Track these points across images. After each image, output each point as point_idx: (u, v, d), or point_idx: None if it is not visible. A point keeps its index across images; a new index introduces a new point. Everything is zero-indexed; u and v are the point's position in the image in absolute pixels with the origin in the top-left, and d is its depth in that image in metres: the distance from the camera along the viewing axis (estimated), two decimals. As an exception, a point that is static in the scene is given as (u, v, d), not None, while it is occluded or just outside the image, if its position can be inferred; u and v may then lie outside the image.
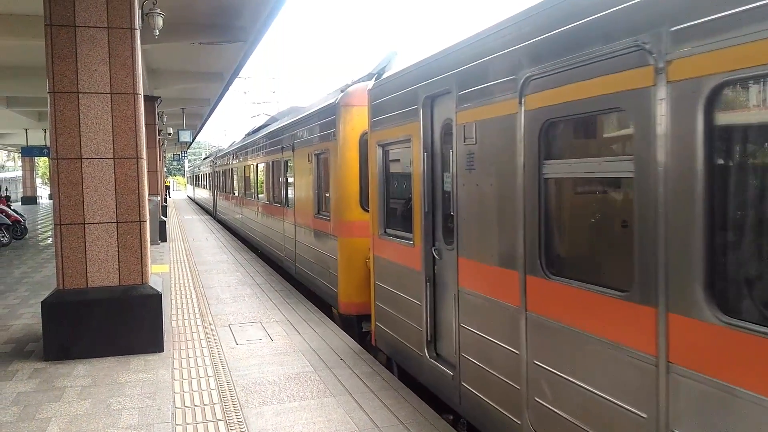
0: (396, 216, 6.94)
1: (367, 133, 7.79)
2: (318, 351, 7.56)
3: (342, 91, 9.22)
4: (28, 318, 9.35)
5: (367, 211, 8.24)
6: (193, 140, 45.30)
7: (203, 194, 43.68)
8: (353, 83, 9.20)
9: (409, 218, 6.18)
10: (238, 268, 14.48)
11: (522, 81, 4.08)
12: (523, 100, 4.09)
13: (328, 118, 9.43)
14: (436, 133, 5.69)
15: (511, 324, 4.35)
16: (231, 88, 22.25)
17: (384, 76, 7.01)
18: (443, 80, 5.29)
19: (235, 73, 18.90)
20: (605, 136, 3.82)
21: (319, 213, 10.29)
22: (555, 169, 3.90)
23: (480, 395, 4.87)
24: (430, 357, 5.86)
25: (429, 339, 5.91)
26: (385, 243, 6.92)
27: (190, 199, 62.04)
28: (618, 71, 3.24)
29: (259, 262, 15.65)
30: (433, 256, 5.79)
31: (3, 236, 18.89)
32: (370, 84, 7.38)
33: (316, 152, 10.24)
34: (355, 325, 8.86)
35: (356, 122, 8.81)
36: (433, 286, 5.85)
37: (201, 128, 42.18)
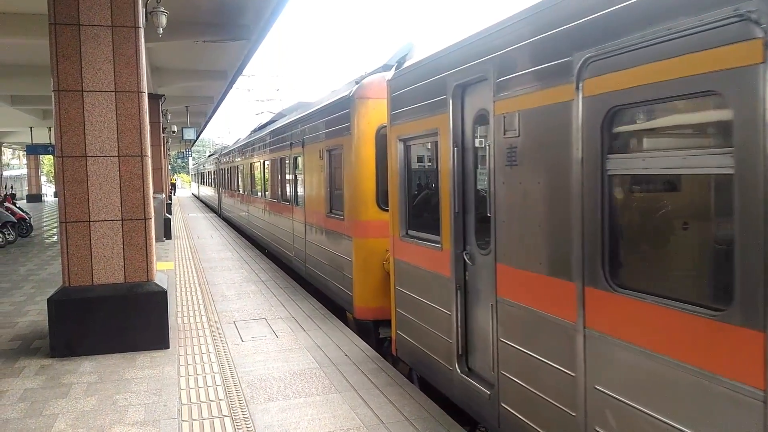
0: (420, 216, 6.43)
1: (384, 127, 7.50)
2: (323, 347, 7.58)
3: (356, 82, 8.74)
4: (34, 315, 9.41)
5: (384, 210, 7.98)
6: (198, 138, 45.38)
7: (208, 192, 43.67)
8: (368, 75, 8.74)
9: (436, 219, 5.69)
10: (243, 265, 14.51)
11: (580, 63, 3.55)
12: (580, 85, 3.57)
13: (342, 111, 8.96)
14: (467, 126, 5.16)
15: (565, 342, 3.82)
16: (235, 85, 22.27)
17: (405, 65, 6.48)
18: (478, 66, 4.75)
19: (239, 71, 18.88)
20: (692, 124, 3.26)
21: (331, 212, 9.83)
22: (622, 164, 3.38)
23: (525, 420, 4.34)
24: (461, 372, 5.32)
25: (460, 352, 5.36)
26: (407, 245, 6.41)
27: (195, 196, 62.15)
28: (712, 47, 2.74)
29: (264, 259, 15.68)
30: (465, 261, 5.28)
31: (9, 234, 18.96)
32: (390, 74, 6.85)
33: (329, 148, 9.78)
34: (371, 331, 8.39)
35: (372, 115, 8.35)
36: (464, 294, 5.31)
37: (205, 126, 42.23)
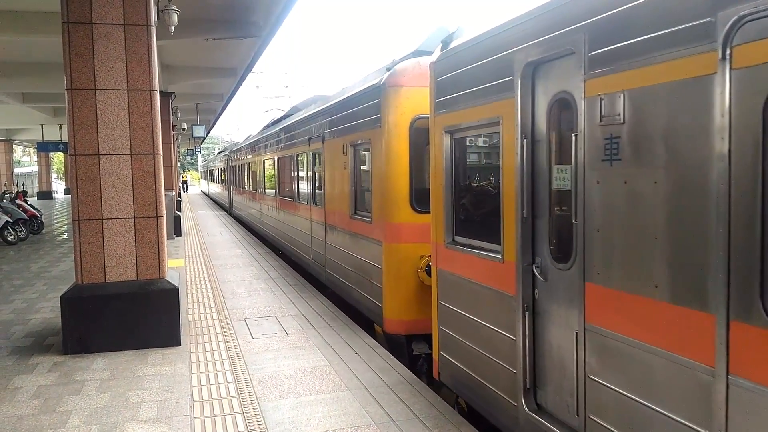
0: (472, 221, 5.67)
1: (420, 118, 7.04)
2: (333, 345, 7.61)
3: (387, 69, 7.85)
4: (47, 312, 9.48)
5: (419, 212, 7.40)
6: (207, 135, 45.54)
7: (218, 189, 43.66)
8: (399, 61, 7.87)
9: (495, 225, 4.84)
10: (252, 263, 14.56)
11: (729, 24, 2.72)
12: (728, 53, 2.73)
13: (371, 102, 8.07)
14: (540, 112, 4.32)
15: (695, 391, 2.99)
16: (244, 83, 22.33)
17: (452, 45, 5.60)
18: (561, 38, 3.90)
19: (249, 68, 18.93)
20: None
21: (356, 213, 9.01)
22: None
23: None
24: (529, 410, 4.45)
25: (528, 386, 4.49)
26: (454, 254, 5.57)
27: (204, 193, 62.37)
28: None
29: (273, 256, 15.73)
30: (534, 275, 4.41)
31: (20, 231, 19.10)
32: (434, 56, 5.96)
33: (354, 142, 8.90)
34: (404, 347, 7.55)
35: (406, 105, 7.46)
36: (532, 316, 4.47)
37: (214, 123, 42.36)
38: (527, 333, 4.43)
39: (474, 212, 5.69)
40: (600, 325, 3.63)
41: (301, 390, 6.13)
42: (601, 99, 3.54)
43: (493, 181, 5.22)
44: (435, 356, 6.09)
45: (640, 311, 3.31)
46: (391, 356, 7.18)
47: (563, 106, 4.08)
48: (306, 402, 5.82)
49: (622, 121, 3.38)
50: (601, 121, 3.55)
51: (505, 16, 4.71)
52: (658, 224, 3.18)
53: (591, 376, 3.72)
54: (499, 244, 4.73)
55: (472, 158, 5.89)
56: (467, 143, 5.72)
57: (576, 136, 3.78)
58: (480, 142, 5.58)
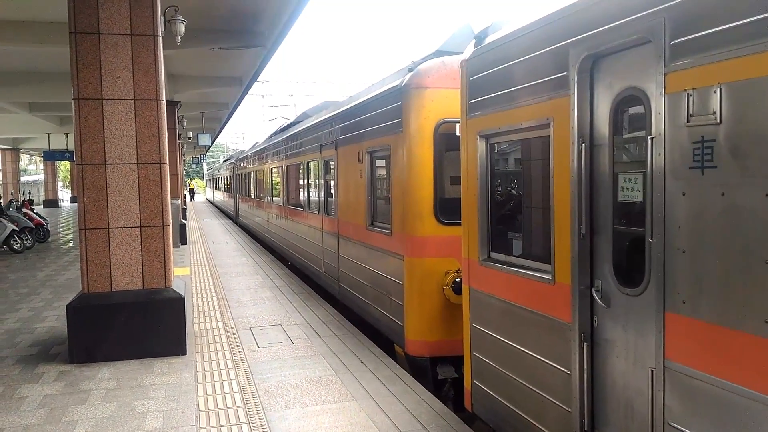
0: (514, 235, 5.12)
1: (445, 122, 6.72)
2: (339, 354, 7.58)
3: (410, 70, 7.29)
4: (53, 321, 9.49)
5: (444, 223, 6.92)
6: (212, 143, 45.68)
7: (223, 198, 43.66)
8: (420, 61, 7.34)
9: (544, 240, 4.36)
10: (258, 271, 14.56)
11: None
12: None
13: (391, 105, 7.55)
14: (600, 112, 3.76)
15: None
16: (249, 92, 22.41)
17: (488, 40, 5.04)
18: (632, 25, 3.33)
19: (254, 78, 19.03)
20: None
21: (373, 224, 8.48)
22: None
23: None
24: None
25: (585, 428, 3.92)
26: (490, 273, 4.99)
27: (210, 201, 62.47)
28: None
29: (279, 264, 15.73)
30: (593, 300, 3.86)
31: (26, 239, 19.16)
32: (467, 53, 5.38)
33: (371, 149, 8.38)
34: (428, 371, 7.02)
35: (430, 109, 6.94)
36: (591, 347, 3.90)
37: (220, 131, 42.54)
38: (585, 366, 3.87)
39: (513, 226, 5.16)
40: (685, 364, 3.07)
41: (307, 400, 6.10)
42: (688, 95, 2.98)
43: (539, 192, 4.64)
44: (467, 385, 5.47)
45: (742, 350, 2.76)
46: (398, 366, 7.14)
47: (630, 103, 3.56)
48: (312, 412, 5.80)
49: (717, 120, 2.83)
50: (688, 122, 2.99)
51: (556, 5, 4.16)
52: None
53: (671, 423, 3.18)
54: (549, 263, 4.18)
55: (512, 165, 5.36)
56: (506, 149, 5.25)
57: (652, 139, 3.21)
58: (525, 147, 4.98)
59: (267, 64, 16.95)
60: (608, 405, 3.75)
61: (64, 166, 65.33)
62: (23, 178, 53.24)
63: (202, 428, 5.47)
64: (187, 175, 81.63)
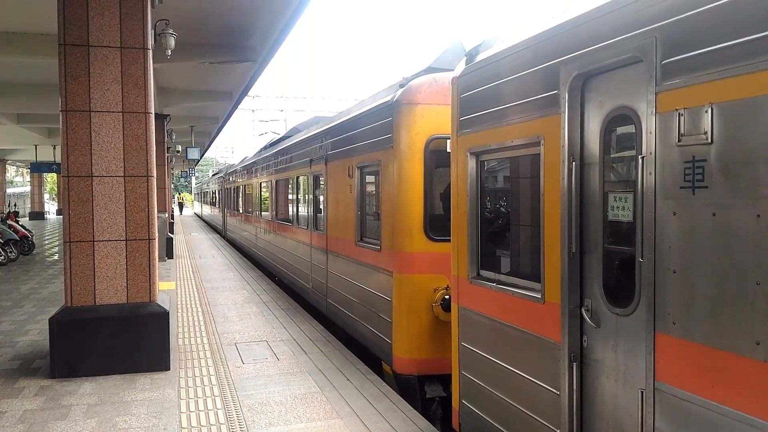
0: (503, 253, 5.12)
1: (435, 138, 6.75)
2: (324, 371, 7.52)
3: (401, 86, 7.29)
4: (35, 334, 9.35)
5: (434, 240, 6.90)
6: (202, 157, 45.58)
7: (211, 212, 43.49)
8: (411, 78, 7.33)
9: (533, 258, 4.35)
10: (245, 286, 14.47)
11: None
12: None
13: (381, 121, 7.55)
14: (591, 131, 3.76)
15: None
16: (239, 106, 22.40)
17: (479, 58, 5.07)
18: (621, 44, 3.35)
19: (245, 92, 19.00)
20: None
21: (362, 240, 8.44)
22: None
23: None
24: None
25: None
26: (480, 291, 4.96)
27: (197, 216, 62.17)
28: None
29: (265, 279, 15.64)
30: (582, 320, 3.82)
31: (11, 252, 18.96)
32: (458, 70, 5.40)
33: (361, 164, 8.36)
34: (416, 389, 6.93)
35: (421, 125, 6.96)
36: (581, 367, 3.87)
37: (209, 145, 42.43)
38: (574, 387, 3.82)
39: (503, 244, 5.15)
40: (675, 385, 3.03)
41: (291, 417, 6.03)
42: (679, 114, 2.97)
43: (529, 210, 4.64)
44: (455, 404, 5.40)
45: (733, 372, 2.73)
46: (384, 383, 7.09)
47: (620, 122, 3.55)
48: (296, 430, 5.73)
49: (709, 140, 2.81)
50: (679, 141, 2.97)
51: (547, 23, 4.17)
52: (763, 267, 2.58)
53: None
54: (539, 282, 4.13)
55: (501, 182, 5.35)
56: (496, 166, 5.26)
57: (643, 158, 3.19)
58: (514, 165, 5.00)
59: (258, 79, 16.96)
60: (597, 426, 3.69)
61: (51, 178, 64.86)
62: (9, 190, 52.78)
63: (184, 445, 5.39)
64: (176, 188, 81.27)
